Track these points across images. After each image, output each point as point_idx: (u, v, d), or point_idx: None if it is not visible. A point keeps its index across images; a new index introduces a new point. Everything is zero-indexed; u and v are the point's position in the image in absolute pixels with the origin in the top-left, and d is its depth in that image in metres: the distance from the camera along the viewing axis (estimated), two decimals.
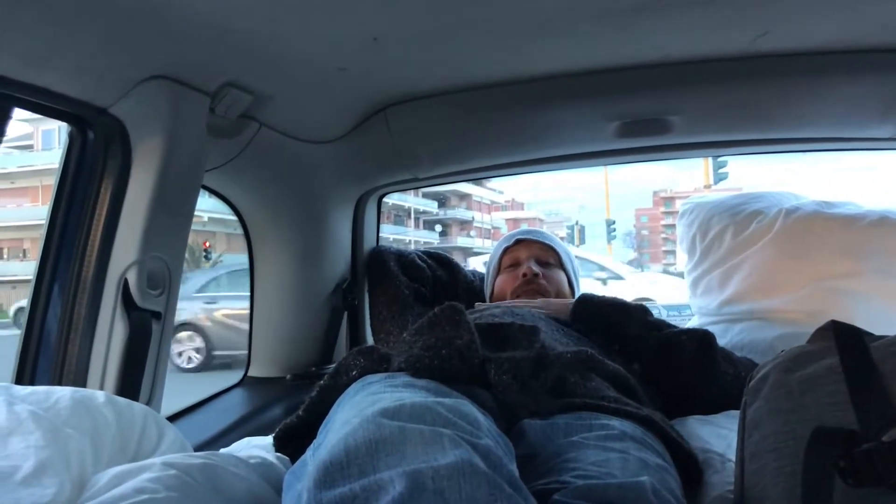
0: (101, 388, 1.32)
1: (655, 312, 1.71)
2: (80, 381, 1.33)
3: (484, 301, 2.03)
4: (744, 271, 2.00)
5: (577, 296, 1.93)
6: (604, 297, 1.70)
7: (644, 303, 2.39)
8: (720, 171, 15.40)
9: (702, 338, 1.58)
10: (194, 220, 1.53)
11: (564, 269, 1.94)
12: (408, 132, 1.87)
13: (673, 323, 1.73)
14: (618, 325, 1.61)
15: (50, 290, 1.36)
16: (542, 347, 1.27)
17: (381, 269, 2.11)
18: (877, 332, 0.93)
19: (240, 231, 2.02)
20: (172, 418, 1.64)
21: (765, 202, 2.12)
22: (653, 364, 1.56)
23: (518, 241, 1.98)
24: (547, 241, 1.97)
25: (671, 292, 9.06)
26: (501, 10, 1.31)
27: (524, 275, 1.85)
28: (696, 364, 1.55)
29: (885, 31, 1.48)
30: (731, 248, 2.05)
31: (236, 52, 1.37)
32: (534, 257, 1.91)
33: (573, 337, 1.52)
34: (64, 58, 1.18)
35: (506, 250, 1.99)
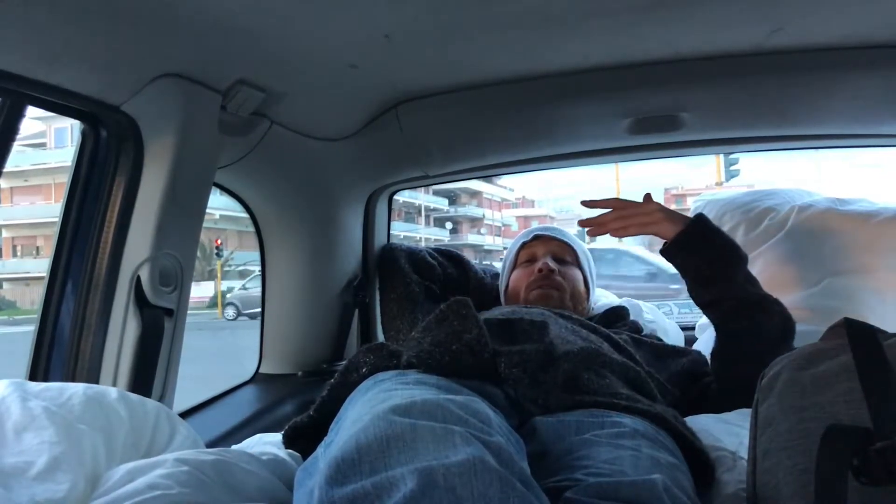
0: (114, 384, 1.33)
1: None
2: (93, 377, 1.33)
3: (496, 298, 2.03)
4: (756, 268, 1.99)
5: (591, 295, 1.93)
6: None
7: (657, 302, 2.39)
8: (732, 168, 15.30)
9: (788, 319, 1.56)
10: (206, 217, 1.54)
11: (581, 268, 1.94)
12: (419, 129, 1.87)
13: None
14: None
15: (63, 287, 1.37)
16: (552, 342, 1.26)
17: (391, 267, 2.11)
18: (891, 329, 0.93)
19: (251, 228, 2.03)
20: (185, 415, 1.64)
21: (777, 199, 2.11)
22: (732, 318, 1.54)
23: (536, 237, 1.98)
24: (565, 239, 1.97)
25: None
26: (513, 6, 1.31)
27: (540, 270, 1.84)
28: (777, 337, 1.53)
29: None
30: (744, 244, 2.02)
31: (248, 49, 1.37)
32: (550, 253, 1.91)
33: (582, 333, 1.51)
34: (76, 56, 1.18)
35: (523, 245, 1.98)
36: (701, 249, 1.57)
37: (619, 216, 1.64)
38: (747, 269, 1.59)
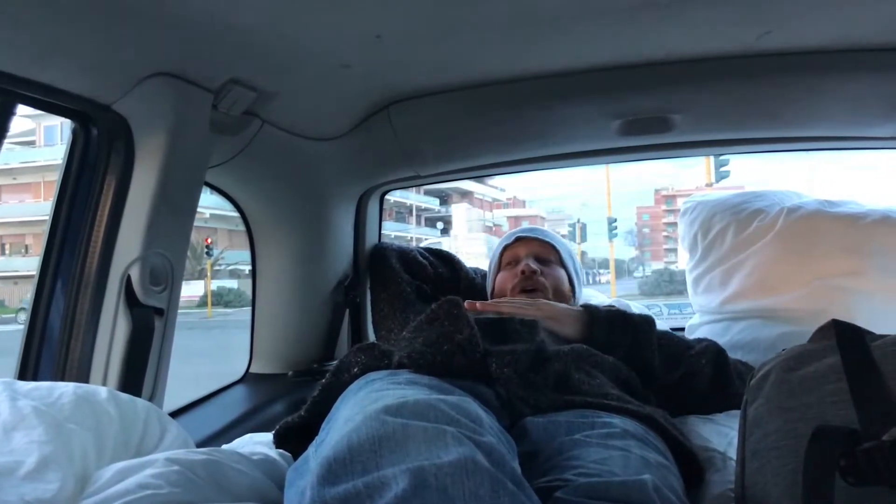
0: (104, 384, 1.33)
1: (656, 311, 1.70)
2: (83, 376, 1.33)
3: (486, 298, 2.04)
4: (745, 270, 2.00)
5: (577, 294, 1.94)
6: (609, 311, 1.63)
7: (649, 302, 2.39)
8: (722, 169, 15.34)
9: (716, 356, 1.58)
10: (196, 216, 1.54)
11: (565, 267, 1.94)
12: (411, 129, 1.87)
13: (675, 325, 1.72)
14: (636, 357, 1.59)
15: (53, 286, 1.37)
16: (543, 342, 1.27)
17: (382, 267, 2.11)
18: (878, 330, 0.93)
19: (242, 228, 2.02)
20: (175, 414, 1.64)
21: (767, 201, 2.12)
22: (672, 391, 1.53)
23: (518, 239, 1.99)
24: (546, 239, 1.97)
25: None
26: (504, 7, 1.31)
27: (522, 272, 1.85)
28: (714, 386, 1.55)
29: (889, 31, 1.48)
30: (733, 246, 2.05)
31: (240, 49, 1.37)
32: (533, 254, 1.91)
33: None
34: (67, 55, 1.18)
35: (506, 248, 1.99)
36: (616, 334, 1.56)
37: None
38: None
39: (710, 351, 1.59)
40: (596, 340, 1.49)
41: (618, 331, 1.55)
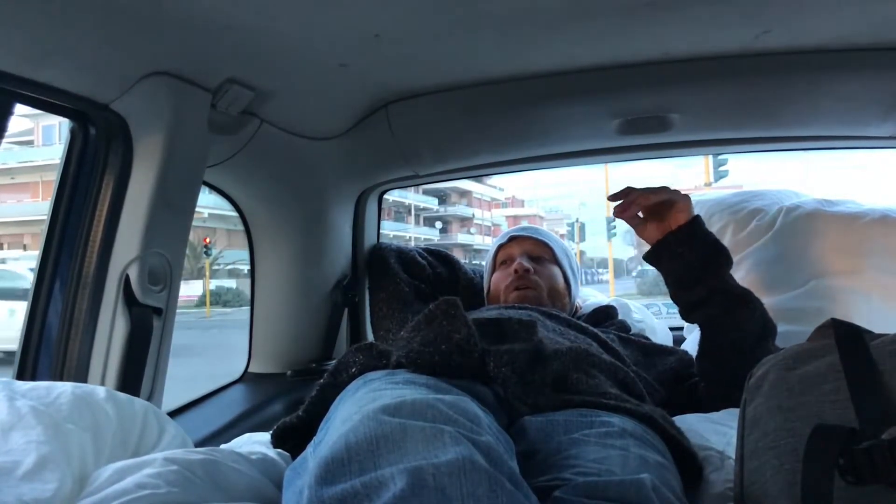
0: (102, 383, 1.33)
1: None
2: (81, 376, 1.33)
3: (484, 298, 2.04)
4: (744, 269, 2.00)
5: (573, 292, 1.93)
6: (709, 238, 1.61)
7: (648, 301, 2.40)
8: (720, 168, 15.37)
9: (770, 320, 1.57)
10: (195, 215, 1.54)
11: (559, 265, 1.94)
12: (409, 129, 1.87)
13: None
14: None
15: (51, 285, 1.36)
16: (541, 341, 1.27)
17: (381, 266, 2.11)
18: (877, 330, 0.93)
19: (240, 227, 2.02)
20: (173, 414, 1.64)
21: (765, 200, 2.12)
22: (717, 307, 1.53)
23: (512, 238, 1.99)
24: (540, 237, 1.98)
25: None
26: (503, 6, 1.31)
27: (515, 270, 1.85)
28: (757, 331, 1.54)
29: (888, 30, 1.48)
30: (732, 245, 2.04)
31: (238, 48, 1.37)
32: (526, 253, 1.91)
33: (570, 333, 1.52)
34: (65, 54, 1.18)
35: (500, 247, 1.99)
36: (695, 246, 1.56)
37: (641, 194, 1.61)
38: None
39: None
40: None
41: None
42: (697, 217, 1.60)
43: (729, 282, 1.56)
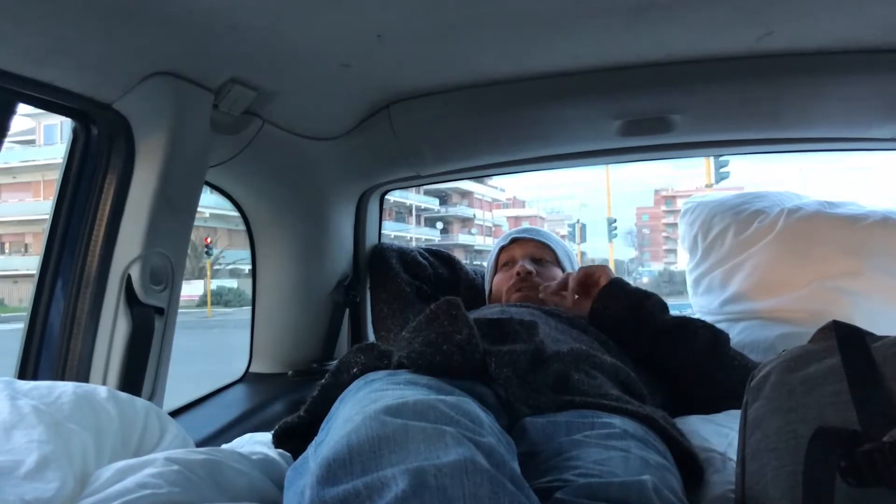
0: (104, 383, 1.33)
1: None
2: (83, 376, 1.33)
3: (485, 299, 2.04)
4: (745, 270, 2.01)
5: None
6: (629, 289, 1.72)
7: None
8: (722, 170, 15.37)
9: (717, 331, 1.64)
10: (196, 215, 1.54)
11: (561, 267, 1.94)
12: (411, 129, 1.87)
13: None
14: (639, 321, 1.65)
15: (53, 285, 1.37)
16: (542, 342, 1.27)
17: (382, 267, 2.11)
18: (878, 332, 0.93)
19: (242, 227, 2.02)
20: (175, 414, 1.64)
21: (767, 202, 2.12)
22: (665, 344, 1.60)
23: (514, 240, 1.99)
24: (542, 239, 1.98)
25: None
26: (505, 7, 1.31)
27: (518, 272, 1.85)
28: (707, 348, 1.60)
29: (890, 32, 1.48)
30: (733, 247, 2.05)
31: (240, 48, 1.37)
32: (528, 255, 1.92)
33: (573, 333, 1.52)
34: (68, 54, 1.18)
35: (502, 249, 2.00)
36: (619, 298, 1.67)
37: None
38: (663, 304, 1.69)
39: (712, 325, 1.67)
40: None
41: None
42: (616, 278, 1.73)
43: (667, 321, 1.64)
